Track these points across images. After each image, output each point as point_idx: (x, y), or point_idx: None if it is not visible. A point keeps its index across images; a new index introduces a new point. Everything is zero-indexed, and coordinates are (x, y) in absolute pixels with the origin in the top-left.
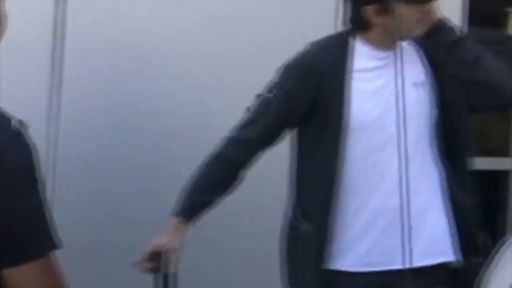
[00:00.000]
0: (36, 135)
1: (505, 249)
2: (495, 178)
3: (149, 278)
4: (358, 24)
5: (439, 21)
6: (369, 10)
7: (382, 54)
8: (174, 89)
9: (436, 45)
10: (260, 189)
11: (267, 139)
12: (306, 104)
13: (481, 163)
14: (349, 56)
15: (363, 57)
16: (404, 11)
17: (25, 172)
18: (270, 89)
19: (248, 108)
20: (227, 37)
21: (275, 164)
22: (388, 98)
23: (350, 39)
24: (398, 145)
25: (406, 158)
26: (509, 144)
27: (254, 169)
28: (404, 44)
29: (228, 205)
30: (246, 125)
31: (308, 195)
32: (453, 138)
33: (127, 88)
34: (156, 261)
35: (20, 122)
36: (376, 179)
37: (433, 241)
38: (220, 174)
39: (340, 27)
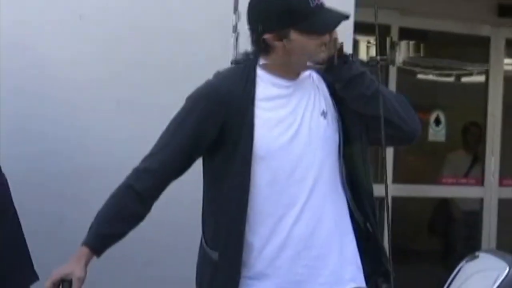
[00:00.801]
0: None
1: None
2: None
3: None
4: (259, 47)
5: (340, 55)
6: (268, 38)
7: (286, 82)
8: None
9: (336, 80)
10: (172, 212)
11: (173, 168)
12: (212, 133)
13: None
14: (253, 85)
15: (267, 86)
16: (300, 41)
17: (6, 205)
18: (177, 118)
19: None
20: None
21: (189, 188)
22: (293, 126)
23: (255, 69)
24: (305, 173)
25: (313, 185)
26: (382, 170)
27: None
28: (310, 73)
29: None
30: (151, 155)
31: (216, 222)
32: (354, 167)
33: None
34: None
35: None
36: (283, 207)
37: (341, 268)
38: (125, 205)
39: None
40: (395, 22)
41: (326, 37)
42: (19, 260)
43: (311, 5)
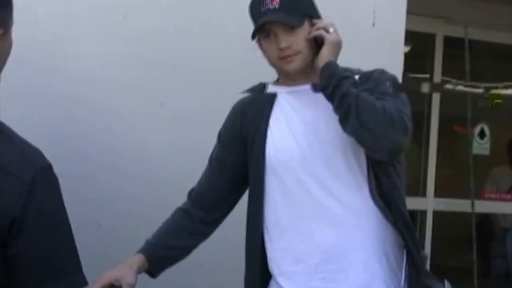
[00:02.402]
0: None
1: None
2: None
3: None
4: None
5: (321, 68)
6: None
7: (293, 88)
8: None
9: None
10: None
11: (221, 186)
12: (232, 147)
13: None
14: (273, 99)
15: (282, 96)
16: (264, 46)
17: (56, 204)
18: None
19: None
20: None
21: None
22: (304, 134)
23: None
24: (320, 182)
25: (331, 194)
26: (423, 184)
27: None
28: None
29: None
30: (202, 176)
31: (247, 235)
32: (386, 177)
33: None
34: None
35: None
36: (298, 218)
37: (367, 284)
38: (175, 220)
39: None
40: (440, 31)
41: (282, 43)
42: (71, 263)
43: (262, 9)
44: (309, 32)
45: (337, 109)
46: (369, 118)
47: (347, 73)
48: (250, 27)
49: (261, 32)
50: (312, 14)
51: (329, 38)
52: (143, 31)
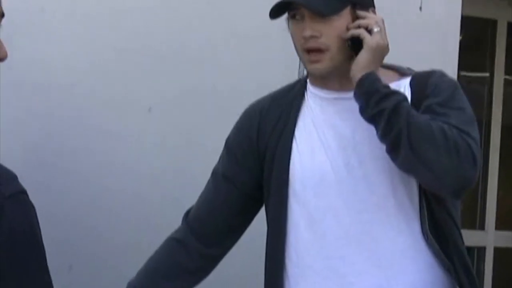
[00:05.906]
0: None
1: None
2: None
3: None
4: None
5: (356, 82)
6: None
7: (328, 95)
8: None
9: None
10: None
11: (226, 210)
12: (245, 163)
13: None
14: (300, 102)
15: (313, 101)
16: (292, 30)
17: (27, 232)
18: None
19: None
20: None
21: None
22: (343, 150)
23: (306, 81)
24: (357, 212)
25: (370, 228)
26: (482, 214)
27: None
28: (399, 82)
29: None
30: (202, 194)
31: (265, 276)
32: (441, 207)
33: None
34: None
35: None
36: (326, 258)
37: None
38: (172, 259)
39: None
40: (503, 16)
41: (305, 28)
42: None
43: None
44: (347, 28)
45: (383, 137)
46: (427, 149)
47: (389, 89)
48: (260, 19)
49: (288, 10)
50: (358, 1)
51: (369, 42)
52: (132, 24)
